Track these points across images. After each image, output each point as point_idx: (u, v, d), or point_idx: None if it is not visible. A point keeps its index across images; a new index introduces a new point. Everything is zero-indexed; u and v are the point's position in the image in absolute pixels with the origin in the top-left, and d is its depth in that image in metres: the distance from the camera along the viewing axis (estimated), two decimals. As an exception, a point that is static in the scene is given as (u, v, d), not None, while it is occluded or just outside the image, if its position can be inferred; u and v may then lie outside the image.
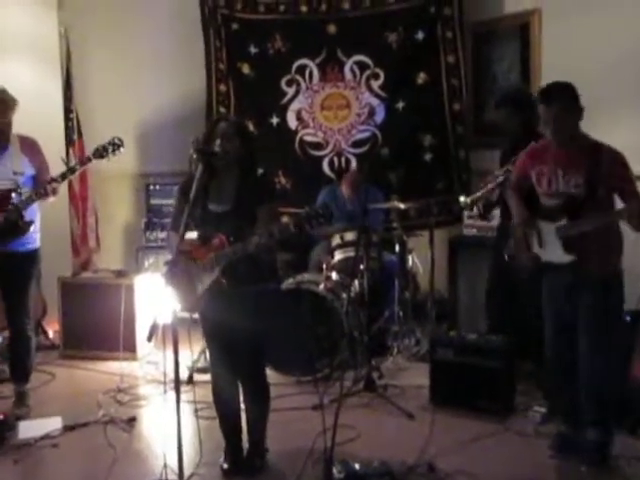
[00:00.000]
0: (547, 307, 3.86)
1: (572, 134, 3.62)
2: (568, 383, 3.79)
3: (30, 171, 4.52)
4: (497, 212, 5.10)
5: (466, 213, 5.80)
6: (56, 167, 4.76)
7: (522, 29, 6.01)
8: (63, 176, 4.52)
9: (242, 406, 3.79)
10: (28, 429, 4.27)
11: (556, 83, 3.64)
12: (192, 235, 3.47)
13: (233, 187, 3.54)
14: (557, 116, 3.56)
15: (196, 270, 3.40)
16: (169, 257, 3.34)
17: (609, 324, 3.61)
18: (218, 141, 3.46)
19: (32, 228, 4.49)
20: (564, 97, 3.59)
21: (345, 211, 5.85)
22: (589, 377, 3.65)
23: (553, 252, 3.66)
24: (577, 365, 3.69)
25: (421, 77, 6.35)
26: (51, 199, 4.49)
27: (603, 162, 3.52)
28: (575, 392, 3.76)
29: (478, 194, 4.64)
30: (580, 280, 3.61)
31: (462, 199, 4.78)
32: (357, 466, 3.49)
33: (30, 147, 4.57)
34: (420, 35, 6.28)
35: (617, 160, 3.56)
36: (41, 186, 4.41)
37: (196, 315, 3.66)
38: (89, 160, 4.56)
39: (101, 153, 4.51)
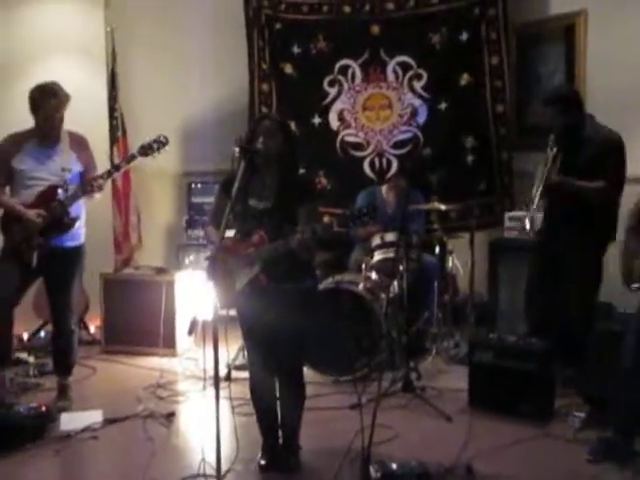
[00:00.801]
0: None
1: None
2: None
3: (78, 168, 4.57)
4: (538, 215, 5.07)
5: (507, 215, 5.76)
6: (102, 165, 4.83)
7: (567, 31, 5.96)
8: (109, 173, 4.59)
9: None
10: (69, 421, 4.33)
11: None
12: (230, 233, 3.50)
13: (275, 184, 3.55)
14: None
15: (236, 266, 3.43)
16: (210, 253, 3.37)
17: None
18: (261, 139, 3.47)
19: (77, 224, 4.56)
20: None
21: (385, 215, 5.82)
22: None
23: None
24: None
25: (464, 78, 6.32)
26: (97, 196, 4.55)
27: None
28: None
29: (534, 207, 4.62)
30: None
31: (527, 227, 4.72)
32: (394, 466, 3.48)
33: (79, 143, 4.63)
34: (464, 36, 6.25)
35: None
36: (87, 183, 4.48)
37: (233, 312, 3.68)
38: (134, 157, 4.60)
39: (146, 151, 4.56)
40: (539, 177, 4.57)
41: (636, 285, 3.74)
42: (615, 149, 4.55)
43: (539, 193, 4.55)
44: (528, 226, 4.63)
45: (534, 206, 4.60)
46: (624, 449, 3.75)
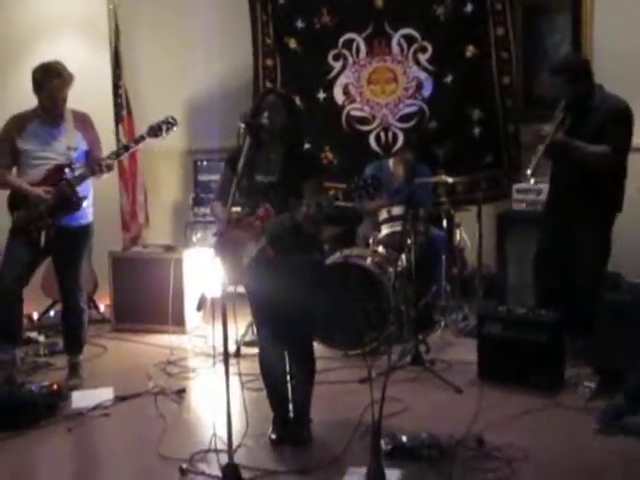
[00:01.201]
0: None
1: None
2: None
3: (83, 146, 4.58)
4: (545, 187, 5.06)
5: (515, 187, 5.74)
6: (107, 144, 4.83)
7: (574, 1, 5.89)
8: (117, 154, 4.62)
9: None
10: (81, 399, 4.35)
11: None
12: (236, 209, 3.49)
13: (280, 159, 3.55)
14: None
15: (242, 241, 3.42)
16: (217, 229, 3.37)
17: None
18: (266, 113, 3.46)
19: (85, 203, 4.56)
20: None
21: (392, 188, 5.81)
22: None
23: None
24: None
25: (470, 50, 6.25)
26: (105, 175, 4.56)
27: None
28: None
29: (535, 161, 4.56)
30: None
31: (529, 171, 4.63)
32: (405, 438, 3.50)
33: (83, 122, 4.63)
34: (469, 7, 6.18)
35: None
36: (95, 163, 4.48)
37: (242, 289, 3.68)
38: (143, 138, 4.62)
39: (155, 132, 4.58)
40: (545, 134, 4.53)
41: None
42: (621, 116, 4.52)
43: (543, 150, 4.52)
44: (529, 172, 4.57)
45: (536, 158, 4.55)
46: (632, 415, 3.76)
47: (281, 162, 3.54)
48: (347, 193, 3.25)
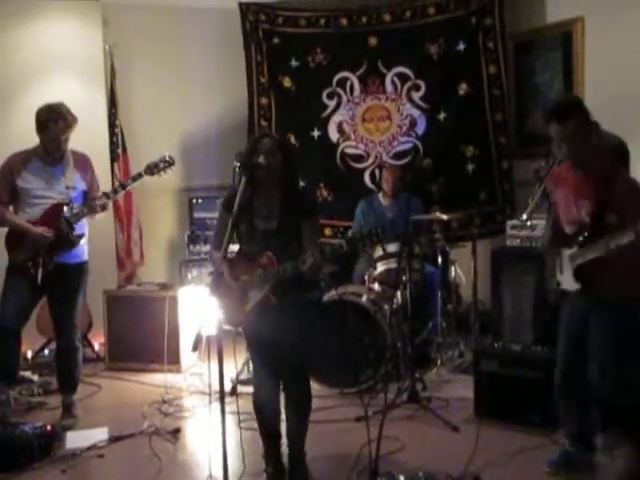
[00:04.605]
0: (562, 330, 3.75)
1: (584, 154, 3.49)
2: (578, 405, 3.75)
3: (82, 186, 4.62)
4: (540, 222, 5.06)
5: (509, 223, 5.75)
6: (102, 182, 4.85)
7: (564, 38, 5.97)
8: (115, 191, 4.68)
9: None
10: (75, 439, 4.31)
11: (566, 99, 3.55)
12: (234, 247, 3.49)
13: (277, 204, 3.53)
14: (574, 133, 3.43)
15: (244, 286, 3.42)
16: (214, 269, 3.37)
17: (622, 350, 3.49)
18: (261, 157, 3.44)
19: (82, 241, 4.58)
20: (580, 114, 3.49)
21: (385, 220, 5.85)
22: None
23: (567, 279, 3.58)
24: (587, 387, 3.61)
25: (462, 88, 6.34)
26: (99, 215, 4.58)
27: (616, 189, 3.38)
28: (584, 413, 3.73)
29: (531, 206, 4.56)
30: (593, 306, 3.50)
31: (524, 216, 4.64)
32: (402, 478, 3.48)
33: (83, 163, 4.67)
34: (461, 46, 6.28)
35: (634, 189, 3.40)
36: (92, 201, 4.50)
37: (240, 329, 3.66)
38: (140, 176, 4.66)
39: (152, 170, 4.63)
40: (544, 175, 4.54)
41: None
42: (617, 153, 4.54)
43: (541, 192, 4.52)
44: (525, 216, 4.57)
45: (533, 202, 4.55)
46: (581, 459, 3.76)
47: (278, 208, 3.52)
48: (351, 242, 3.27)
